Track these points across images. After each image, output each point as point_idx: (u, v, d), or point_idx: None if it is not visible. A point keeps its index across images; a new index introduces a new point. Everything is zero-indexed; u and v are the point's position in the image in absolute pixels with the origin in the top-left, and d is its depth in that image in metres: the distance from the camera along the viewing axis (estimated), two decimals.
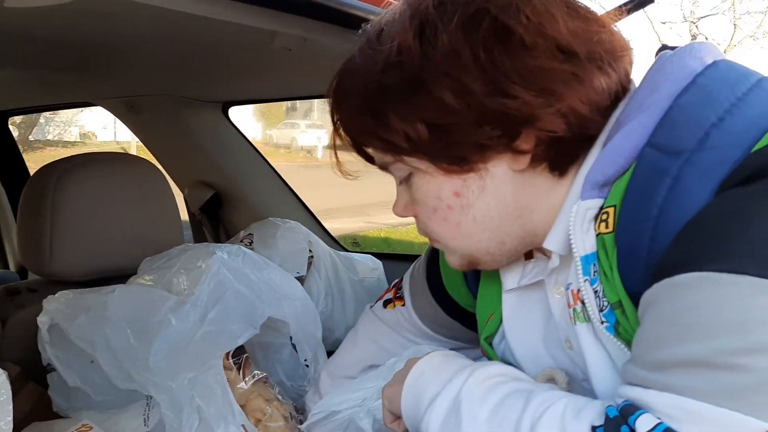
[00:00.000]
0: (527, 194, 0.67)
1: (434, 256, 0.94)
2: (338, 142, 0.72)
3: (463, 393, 0.64)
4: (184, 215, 1.84)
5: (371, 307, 1.07)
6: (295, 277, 1.34)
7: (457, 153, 0.65)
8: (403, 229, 6.22)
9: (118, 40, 1.16)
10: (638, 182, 0.59)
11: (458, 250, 0.73)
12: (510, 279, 0.77)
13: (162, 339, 0.95)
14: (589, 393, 0.69)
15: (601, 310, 0.63)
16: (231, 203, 1.85)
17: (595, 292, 0.63)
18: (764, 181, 0.52)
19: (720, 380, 0.48)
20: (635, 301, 0.59)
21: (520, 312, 0.77)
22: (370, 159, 0.73)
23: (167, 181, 1.46)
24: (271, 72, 1.44)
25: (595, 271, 0.63)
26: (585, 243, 0.64)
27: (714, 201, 0.54)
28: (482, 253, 0.72)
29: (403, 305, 1.00)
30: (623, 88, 0.67)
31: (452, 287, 0.93)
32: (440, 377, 0.67)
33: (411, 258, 1.88)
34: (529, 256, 0.77)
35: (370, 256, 1.60)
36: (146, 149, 1.94)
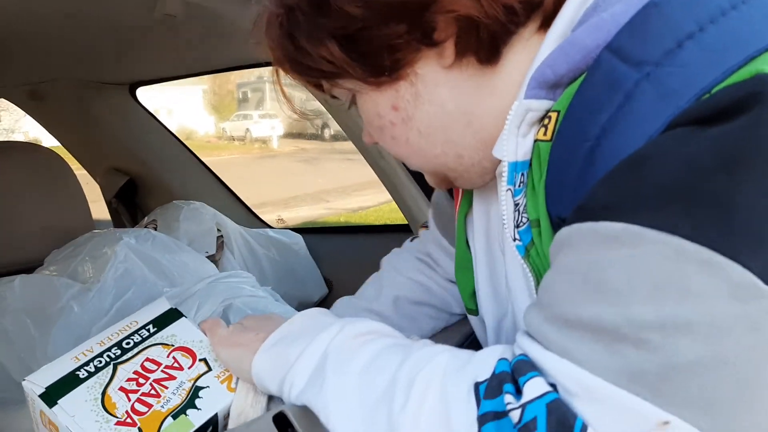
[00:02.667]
0: (466, 96, 0.62)
1: None
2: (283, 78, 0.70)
3: (331, 348, 0.61)
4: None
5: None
6: (208, 259, 1.35)
7: (375, 62, 0.61)
8: (363, 213, 6.19)
9: (1, 22, 1.14)
10: (587, 91, 0.52)
11: (422, 167, 0.70)
12: None
13: (61, 327, 0.95)
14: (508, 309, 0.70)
15: (517, 227, 0.60)
16: (147, 188, 1.84)
17: (516, 205, 0.60)
18: (729, 123, 0.43)
19: (625, 356, 0.42)
20: (554, 226, 0.55)
21: (481, 209, 0.76)
22: (322, 88, 0.70)
23: (72, 170, 1.44)
24: (174, 47, 1.43)
25: (521, 182, 0.59)
26: (518, 148, 0.58)
27: (665, 138, 0.45)
28: (446, 169, 0.68)
29: (427, 227, 0.99)
30: None
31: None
32: (305, 336, 0.65)
33: (333, 230, 1.91)
34: None
35: (289, 231, 1.62)
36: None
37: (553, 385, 0.46)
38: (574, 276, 0.47)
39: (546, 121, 0.56)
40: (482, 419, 0.47)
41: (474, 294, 0.79)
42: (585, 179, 0.50)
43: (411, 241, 1.05)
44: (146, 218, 1.47)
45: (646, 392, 0.41)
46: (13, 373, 0.95)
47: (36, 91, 1.72)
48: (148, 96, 1.81)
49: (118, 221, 1.91)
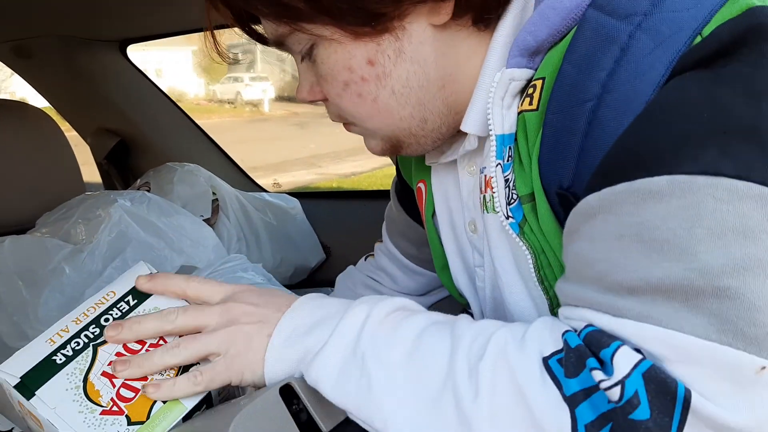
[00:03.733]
0: (450, 59, 0.59)
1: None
2: (217, 20, 0.62)
3: (365, 335, 0.53)
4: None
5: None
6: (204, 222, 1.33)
7: (368, 7, 0.55)
8: (356, 179, 6.20)
9: None
10: (578, 52, 0.51)
11: (378, 131, 0.65)
12: (431, 154, 0.72)
13: (53, 288, 0.93)
14: (477, 288, 0.68)
15: (509, 204, 0.57)
16: (139, 150, 1.81)
17: (506, 180, 0.57)
18: (737, 60, 0.45)
19: (707, 309, 0.41)
20: (551, 198, 0.54)
21: (442, 188, 0.74)
22: (260, 37, 0.63)
23: (62, 131, 1.41)
24: (166, 2, 1.39)
25: (509, 156, 0.57)
26: (504, 121, 0.56)
27: (678, 83, 0.46)
28: (405, 134, 0.64)
29: (381, 242, 0.98)
30: None
31: (410, 178, 0.85)
32: (325, 322, 0.56)
33: (331, 195, 1.90)
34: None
35: (286, 195, 1.60)
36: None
37: (639, 352, 0.43)
38: (624, 241, 0.45)
39: (530, 90, 0.54)
40: (572, 400, 0.43)
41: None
42: (592, 143, 0.49)
43: (365, 260, 1.03)
44: (139, 180, 1.44)
45: (738, 341, 0.40)
46: (5, 337, 0.94)
47: (22, 47, 1.67)
48: (136, 56, 1.77)
49: (109, 183, 1.88)
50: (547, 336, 0.48)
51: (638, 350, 0.43)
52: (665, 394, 0.40)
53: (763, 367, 0.39)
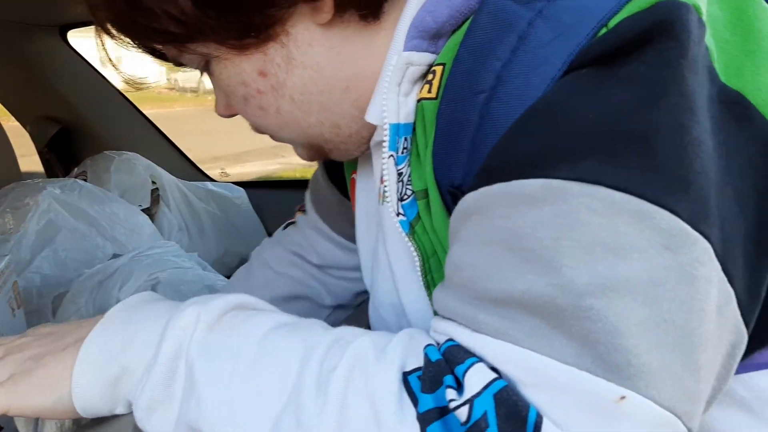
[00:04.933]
0: (344, 57, 0.56)
1: None
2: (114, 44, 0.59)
3: (194, 345, 0.48)
4: None
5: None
6: (144, 213, 1.31)
7: (240, 20, 0.53)
8: None
9: None
10: (475, 38, 0.47)
11: (294, 139, 0.63)
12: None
13: None
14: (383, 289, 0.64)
15: (401, 200, 0.54)
16: (81, 138, 1.77)
17: (400, 174, 0.54)
18: (638, 58, 0.41)
19: (567, 329, 0.38)
20: (444, 195, 0.51)
21: (366, 175, 0.70)
22: (163, 56, 0.61)
23: None
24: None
25: (405, 148, 0.54)
26: (400, 109, 0.53)
27: (571, 79, 0.42)
28: (322, 142, 0.61)
29: (305, 213, 0.91)
30: None
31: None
32: (142, 331, 0.50)
33: (277, 184, 1.88)
34: None
35: (231, 185, 1.58)
36: None
37: (495, 370, 0.40)
38: (492, 247, 0.42)
39: (430, 76, 0.51)
40: (424, 418, 0.40)
41: None
42: (482, 137, 0.46)
43: (284, 228, 0.95)
44: (76, 169, 1.42)
45: (598, 367, 0.37)
46: None
47: None
48: (92, 44, 1.73)
49: (51, 173, 1.84)
50: (410, 349, 0.44)
51: (495, 369, 0.40)
52: (516, 419, 0.37)
53: (623, 397, 0.37)
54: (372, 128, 0.60)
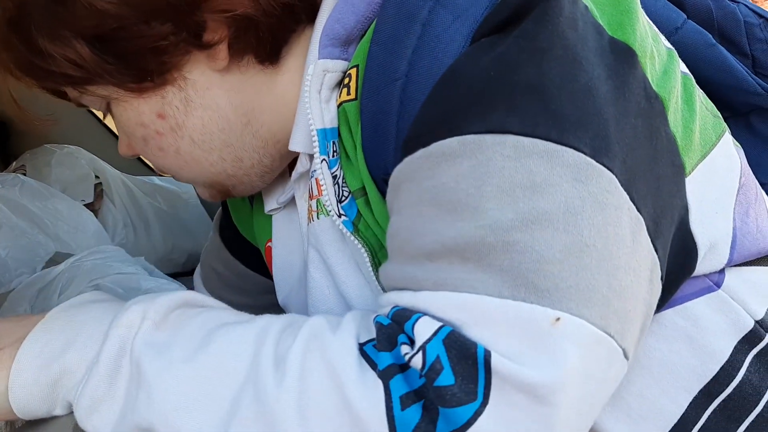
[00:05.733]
0: (245, 96, 0.59)
1: (224, 205, 0.86)
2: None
3: (139, 341, 0.47)
4: None
5: None
6: (87, 208, 1.28)
7: (136, 65, 0.55)
8: None
9: None
10: (383, 33, 0.51)
11: (195, 178, 0.64)
12: (271, 199, 0.70)
13: None
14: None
15: (340, 201, 0.56)
16: (19, 132, 1.71)
17: (334, 177, 0.56)
18: (524, 21, 0.46)
19: (498, 265, 0.41)
20: (380, 187, 0.53)
21: (284, 235, 0.71)
22: (65, 96, 0.62)
23: None
24: None
25: (335, 151, 0.56)
26: (324, 114, 0.55)
27: (471, 50, 0.47)
28: (224, 178, 0.63)
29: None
30: None
31: (244, 228, 0.83)
32: (86, 331, 0.50)
33: None
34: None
35: None
36: None
37: (440, 321, 0.43)
38: (422, 206, 0.45)
39: (346, 80, 0.54)
40: (386, 374, 0.42)
41: None
42: (405, 120, 0.49)
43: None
44: (14, 163, 1.37)
45: (531, 294, 0.40)
46: None
47: None
48: None
49: None
50: (362, 324, 0.46)
51: (439, 320, 0.43)
52: (466, 358, 0.40)
53: (558, 318, 0.40)
54: (275, 156, 0.63)
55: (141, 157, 0.66)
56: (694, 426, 0.52)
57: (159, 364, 0.46)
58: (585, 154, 0.43)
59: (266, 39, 0.57)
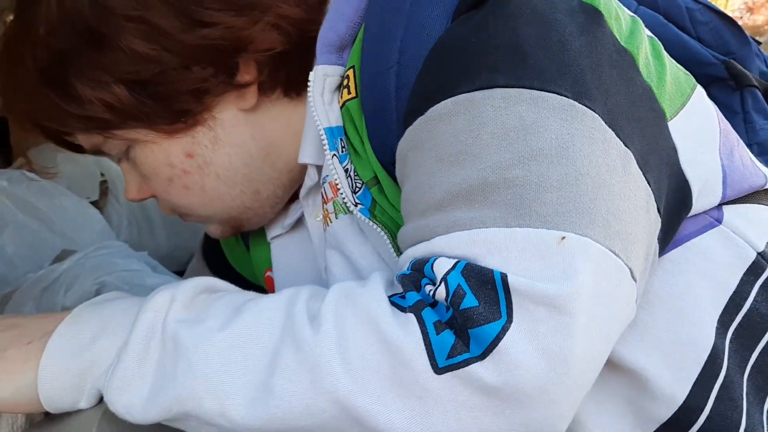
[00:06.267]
0: (269, 130, 0.64)
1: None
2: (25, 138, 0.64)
3: (170, 320, 0.50)
4: None
5: None
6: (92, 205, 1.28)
7: (173, 108, 0.59)
8: None
9: None
10: (372, 30, 0.56)
11: (213, 215, 0.67)
12: (274, 227, 0.73)
13: None
14: None
15: (354, 192, 0.59)
16: (22, 127, 1.71)
17: (346, 171, 0.60)
18: None
19: (502, 200, 0.46)
20: (392, 172, 0.57)
21: (287, 258, 0.74)
22: (77, 147, 0.65)
23: None
24: None
25: (343, 147, 0.60)
26: (329, 114, 0.59)
27: (452, 26, 0.53)
28: (241, 211, 0.67)
29: None
30: None
31: (235, 258, 0.84)
32: (115, 322, 0.52)
33: None
34: (293, 198, 0.73)
35: None
36: None
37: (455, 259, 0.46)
38: (427, 165, 0.50)
39: (345, 81, 0.58)
40: (416, 307, 0.46)
41: None
42: (402, 103, 0.54)
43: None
44: (18, 160, 1.37)
45: (534, 221, 0.45)
46: None
47: None
48: None
49: None
50: (387, 281, 0.50)
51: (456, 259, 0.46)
52: (485, 282, 0.44)
53: (563, 237, 0.44)
54: (286, 185, 0.67)
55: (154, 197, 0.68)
56: (723, 354, 0.55)
57: (195, 336, 0.48)
58: (567, 97, 0.48)
59: (296, 71, 0.61)
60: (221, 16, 0.56)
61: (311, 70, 0.60)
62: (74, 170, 1.31)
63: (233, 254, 0.85)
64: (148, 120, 0.59)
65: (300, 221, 0.71)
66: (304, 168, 0.66)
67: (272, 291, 0.76)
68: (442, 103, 0.49)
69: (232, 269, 0.85)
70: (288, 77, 0.62)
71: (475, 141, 0.48)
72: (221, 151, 0.62)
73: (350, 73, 0.58)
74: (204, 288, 0.54)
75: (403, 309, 0.46)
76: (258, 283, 0.82)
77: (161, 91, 0.58)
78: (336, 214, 0.63)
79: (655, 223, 0.51)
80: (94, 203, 1.30)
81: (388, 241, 0.59)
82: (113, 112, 0.58)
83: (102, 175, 1.35)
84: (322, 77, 0.59)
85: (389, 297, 0.47)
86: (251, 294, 0.54)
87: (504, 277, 0.43)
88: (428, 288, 0.47)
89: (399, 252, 0.58)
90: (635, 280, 0.47)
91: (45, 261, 1.12)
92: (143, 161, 0.63)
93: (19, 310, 1.02)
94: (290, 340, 0.46)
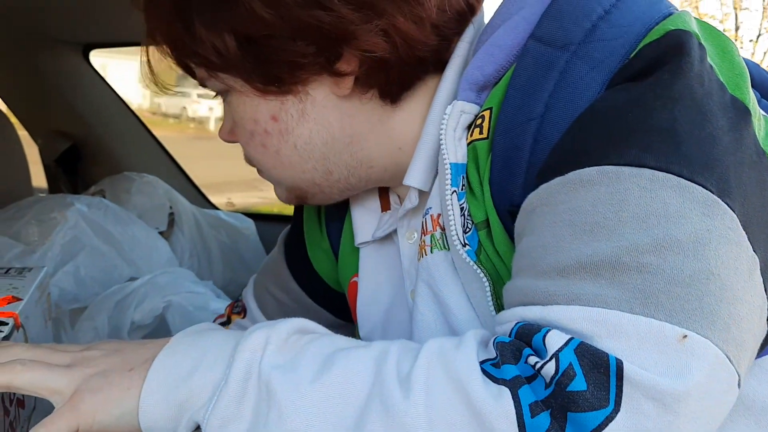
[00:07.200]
0: (357, 121, 0.65)
1: (295, 230, 0.87)
2: (154, 53, 0.68)
3: (265, 364, 0.50)
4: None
5: None
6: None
7: (270, 71, 0.61)
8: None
9: None
10: (521, 78, 0.57)
11: (282, 180, 0.69)
12: (363, 231, 0.74)
13: None
14: None
15: (465, 232, 0.60)
16: (91, 156, 1.79)
17: (461, 209, 0.60)
18: (659, 72, 0.51)
19: (631, 284, 0.45)
20: (503, 218, 0.57)
21: (374, 268, 0.74)
22: (192, 72, 0.68)
23: (15, 129, 1.40)
24: (135, 10, 1.40)
25: (463, 185, 0.60)
26: (457, 150, 0.60)
27: (608, 93, 0.52)
28: (308, 185, 0.68)
29: (244, 317, 0.90)
30: (470, 5, 0.64)
31: (318, 260, 0.85)
32: (211, 354, 0.53)
33: (286, 218, 1.90)
34: (386, 208, 0.74)
35: (240, 215, 1.61)
36: None
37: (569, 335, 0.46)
38: (557, 227, 0.50)
39: (479, 121, 0.59)
40: (513, 383, 0.45)
41: None
42: (536, 157, 0.54)
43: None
44: (93, 187, 1.44)
45: (659, 313, 0.44)
46: None
47: None
48: (113, 64, 1.77)
49: (55, 188, 1.85)
50: (480, 344, 0.49)
51: (570, 333, 0.46)
52: (598, 366, 0.43)
53: (685, 336, 0.43)
54: (362, 178, 0.68)
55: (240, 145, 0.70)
56: None
57: (288, 385, 0.49)
58: (712, 192, 0.47)
59: (394, 81, 0.63)
60: (339, 5, 0.58)
61: (412, 84, 0.63)
62: (146, 201, 1.37)
63: (315, 252, 0.85)
64: (246, 74, 0.62)
65: (390, 235, 0.73)
66: (387, 171, 0.68)
67: (354, 298, 0.77)
68: (587, 169, 0.49)
69: (308, 264, 0.86)
70: (385, 83, 0.63)
71: (615, 216, 0.47)
72: (305, 125, 0.64)
73: (486, 114, 0.58)
74: (296, 329, 0.55)
75: (496, 380, 0.45)
76: (332, 285, 0.84)
77: (264, 54, 0.60)
78: (432, 248, 0.64)
79: (762, 332, 0.50)
80: (162, 233, 1.35)
81: (488, 289, 0.59)
82: (219, 58, 0.61)
83: (170, 207, 1.41)
84: (459, 113, 0.60)
85: (481, 363, 0.47)
86: (342, 341, 0.54)
87: (620, 364, 0.43)
88: (531, 359, 0.45)
89: (497, 301, 0.60)
90: (739, 387, 0.46)
91: (113, 284, 1.17)
92: (235, 109, 0.66)
93: (93, 319, 1.07)
94: (378, 401, 0.47)
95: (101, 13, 1.47)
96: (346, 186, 0.69)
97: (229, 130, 0.70)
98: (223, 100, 0.69)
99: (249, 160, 0.71)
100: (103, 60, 1.80)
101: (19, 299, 0.72)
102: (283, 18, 0.58)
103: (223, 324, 0.91)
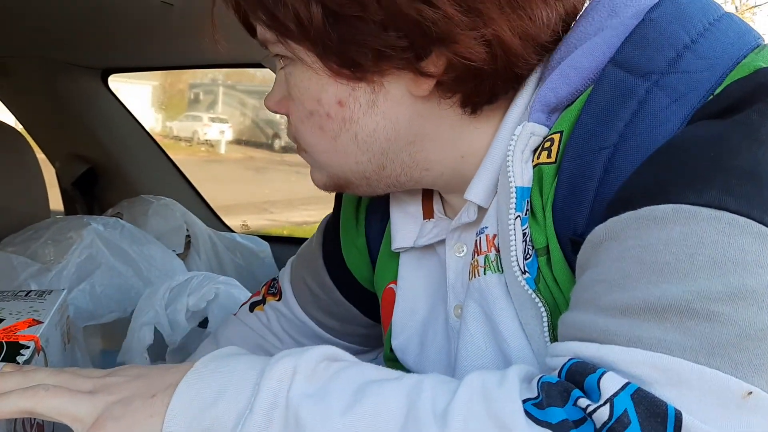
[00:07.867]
0: (427, 123, 0.61)
1: (335, 220, 0.85)
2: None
3: (294, 393, 0.48)
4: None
5: (235, 315, 0.95)
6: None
7: (351, 54, 0.57)
8: (308, 228, 6.14)
9: None
10: (597, 104, 0.54)
11: (328, 167, 0.65)
12: (401, 237, 0.71)
13: None
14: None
15: (525, 258, 0.57)
16: (108, 179, 1.81)
17: (524, 234, 0.57)
18: (747, 111, 0.48)
19: (699, 331, 0.42)
20: (564, 246, 0.55)
21: (415, 277, 0.72)
22: (251, 29, 0.64)
23: (33, 151, 1.41)
24: (158, 37, 1.42)
25: (527, 211, 0.58)
26: (524, 173, 0.58)
27: (690, 128, 0.50)
28: (357, 176, 0.65)
29: (279, 300, 0.89)
30: (566, 24, 0.61)
31: (351, 257, 0.84)
32: (236, 382, 0.51)
33: (298, 241, 1.90)
34: (428, 215, 0.71)
35: (256, 237, 1.61)
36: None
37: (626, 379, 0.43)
38: (624, 263, 0.47)
39: (548, 144, 0.57)
40: (560, 427, 0.42)
41: None
42: (606, 188, 0.52)
43: (251, 311, 0.92)
44: (111, 210, 1.45)
45: (726, 365, 0.41)
46: None
47: (3, 65, 1.68)
48: (131, 90, 1.80)
49: (71, 210, 1.87)
50: (523, 381, 0.47)
51: (627, 378, 0.43)
52: (656, 415, 0.41)
53: (750, 393, 0.41)
54: (414, 179, 0.64)
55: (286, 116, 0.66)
56: None
57: (317, 416, 0.47)
58: None
59: (483, 92, 0.59)
60: (447, 5, 0.54)
61: (497, 99, 0.60)
62: (163, 224, 1.38)
63: (349, 250, 0.84)
64: (323, 51, 0.57)
65: (432, 245, 0.70)
66: (443, 177, 0.65)
67: (391, 305, 0.74)
68: (662, 206, 0.46)
69: (342, 260, 0.84)
70: (473, 93, 0.59)
71: (688, 259, 0.44)
72: (372, 117, 0.60)
73: (555, 137, 0.56)
74: (325, 357, 0.52)
75: (539, 422, 0.43)
76: (365, 284, 0.83)
77: (349, 34, 0.56)
78: (485, 270, 0.61)
79: None
80: (179, 255, 1.36)
81: (545, 318, 0.57)
82: (299, 27, 0.56)
83: (187, 230, 1.41)
84: (529, 134, 0.58)
85: (523, 401, 0.44)
86: (371, 371, 0.52)
87: (678, 415, 0.40)
88: (582, 402, 0.43)
89: (553, 332, 0.58)
90: None
91: (129, 304, 1.17)
92: (297, 83, 0.61)
93: (152, 304, 1.07)
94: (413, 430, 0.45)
95: (120, 38, 1.49)
96: (394, 182, 0.65)
97: (279, 100, 0.65)
98: (282, 69, 0.63)
99: (294, 137, 0.66)
100: (116, 84, 1.83)
101: (40, 322, 0.71)
102: (380, 3, 0.54)
103: (256, 303, 0.92)
